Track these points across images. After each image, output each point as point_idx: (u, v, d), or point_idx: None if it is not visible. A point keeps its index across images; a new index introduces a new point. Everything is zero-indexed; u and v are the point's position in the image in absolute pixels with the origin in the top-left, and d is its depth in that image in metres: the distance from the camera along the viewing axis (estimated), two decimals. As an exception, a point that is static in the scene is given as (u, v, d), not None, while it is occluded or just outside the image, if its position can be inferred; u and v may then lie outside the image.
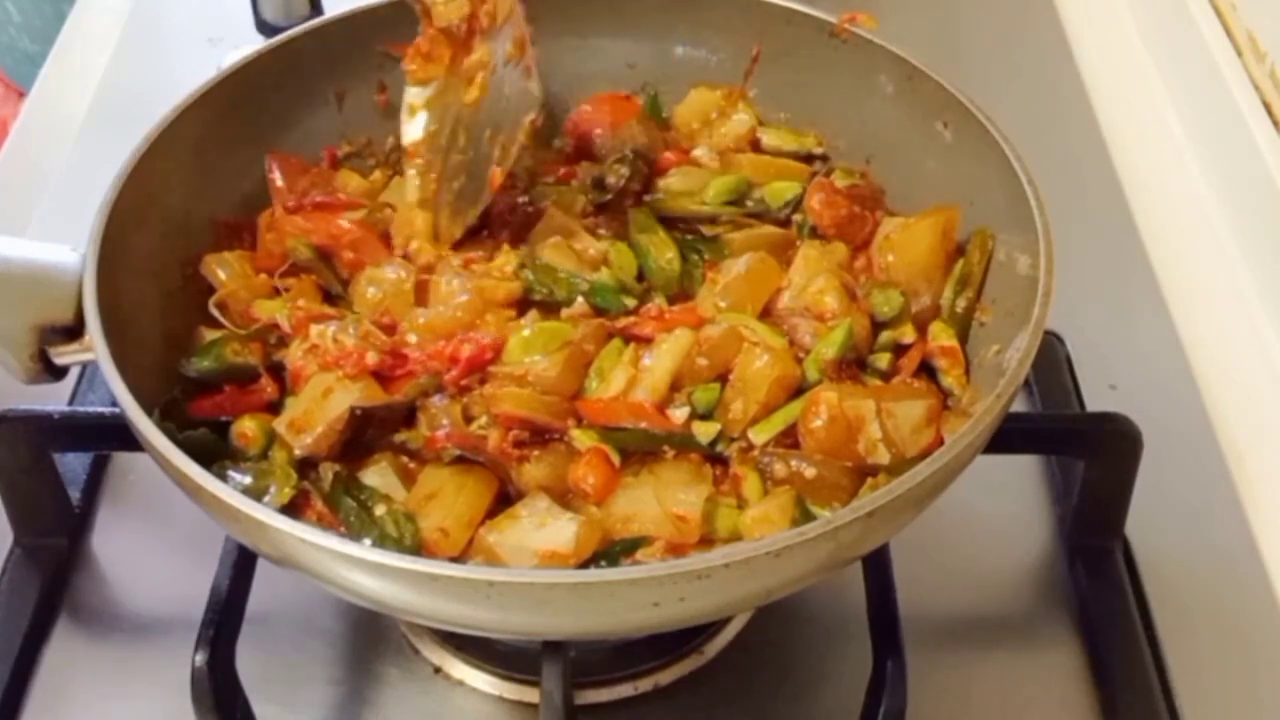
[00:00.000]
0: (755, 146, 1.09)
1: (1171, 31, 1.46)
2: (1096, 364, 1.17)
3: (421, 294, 0.96)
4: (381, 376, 0.91)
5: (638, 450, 0.89)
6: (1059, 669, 0.99)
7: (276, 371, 0.94)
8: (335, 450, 0.88)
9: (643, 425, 0.89)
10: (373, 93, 1.10)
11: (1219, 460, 1.12)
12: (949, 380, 0.93)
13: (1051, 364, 1.15)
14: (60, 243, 0.92)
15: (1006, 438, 0.88)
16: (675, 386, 0.91)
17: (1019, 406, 1.02)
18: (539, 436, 0.89)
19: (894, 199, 1.05)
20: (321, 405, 0.88)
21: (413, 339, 0.93)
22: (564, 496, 0.87)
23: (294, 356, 0.92)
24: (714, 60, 1.12)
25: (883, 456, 0.88)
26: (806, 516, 0.86)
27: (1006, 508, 1.08)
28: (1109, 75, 1.49)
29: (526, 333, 0.92)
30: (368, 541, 0.83)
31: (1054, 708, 0.97)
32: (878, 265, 0.99)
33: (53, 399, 1.06)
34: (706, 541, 0.86)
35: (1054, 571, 1.04)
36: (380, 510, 0.85)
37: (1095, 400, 1.13)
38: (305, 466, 0.88)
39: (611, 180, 1.03)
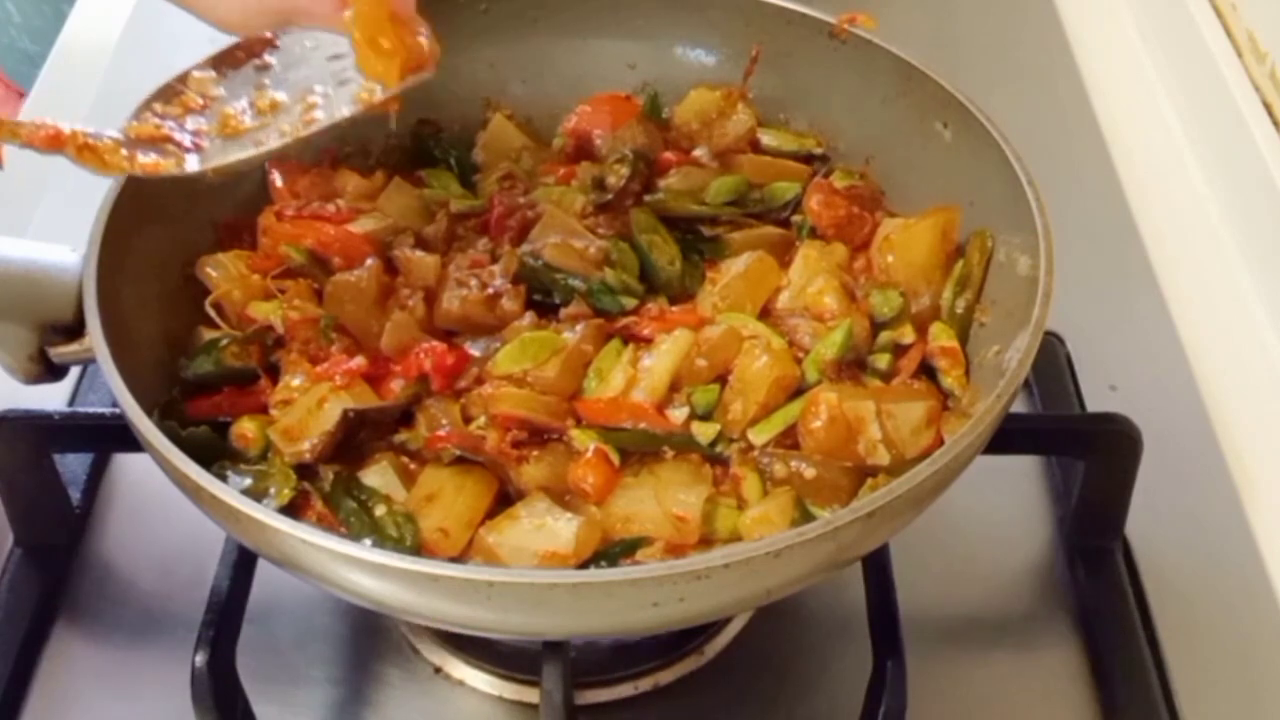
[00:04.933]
0: (755, 147, 1.09)
1: (1171, 31, 1.46)
2: (1096, 364, 1.17)
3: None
4: (373, 379, 0.92)
5: (637, 450, 0.89)
6: (1059, 669, 0.99)
7: (275, 373, 0.94)
8: (328, 455, 0.88)
9: (642, 426, 0.89)
10: (373, 93, 1.10)
11: (1219, 460, 1.12)
12: (949, 381, 0.93)
13: (1051, 364, 1.15)
14: (60, 243, 0.92)
15: (1006, 438, 0.88)
16: (674, 387, 0.91)
17: (1019, 407, 1.02)
18: (538, 437, 0.89)
19: (894, 199, 1.05)
20: (316, 415, 0.88)
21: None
22: (563, 497, 0.87)
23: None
24: (714, 60, 1.12)
25: (882, 457, 0.88)
26: (806, 517, 0.86)
27: (1006, 508, 1.08)
28: (1109, 75, 1.49)
29: (514, 344, 0.92)
30: (368, 542, 0.83)
31: (1054, 708, 0.97)
32: (877, 266, 0.99)
33: (53, 399, 1.07)
34: (706, 542, 0.86)
35: (1054, 571, 1.04)
36: (380, 511, 0.85)
37: (1095, 401, 1.13)
38: (305, 467, 0.88)
39: (611, 180, 1.03)
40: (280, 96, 0.89)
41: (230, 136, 0.88)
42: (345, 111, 0.88)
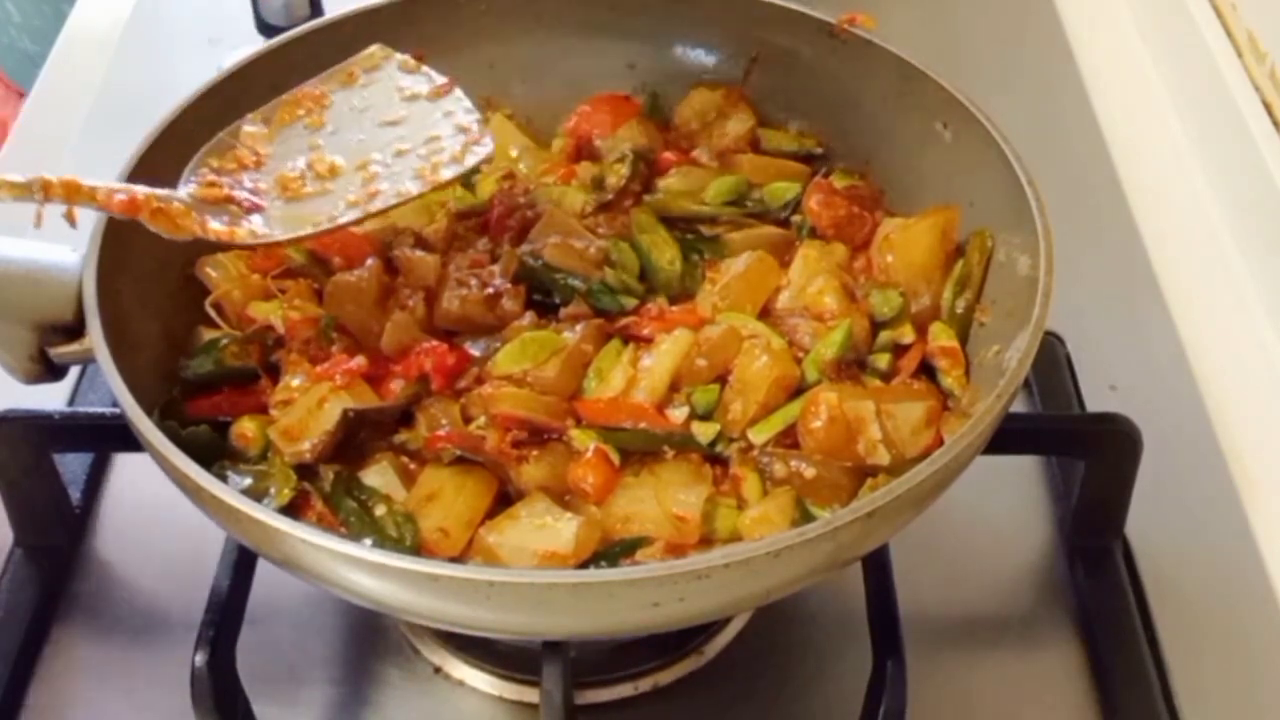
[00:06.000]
0: (755, 147, 1.09)
1: (1171, 31, 1.46)
2: (1096, 364, 1.17)
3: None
4: (373, 380, 0.92)
5: (637, 451, 0.89)
6: (1059, 669, 0.99)
7: (275, 373, 0.94)
8: (328, 455, 0.88)
9: (642, 426, 0.89)
10: (373, 93, 1.10)
11: (1219, 460, 1.12)
12: (949, 381, 0.93)
13: (1051, 364, 1.15)
14: (60, 243, 0.92)
15: (1006, 438, 0.88)
16: (674, 387, 0.91)
17: (1019, 407, 1.02)
18: (537, 436, 0.89)
19: (894, 199, 1.05)
20: (316, 415, 0.88)
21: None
22: (563, 496, 0.87)
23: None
24: (714, 60, 1.12)
25: (882, 457, 0.88)
26: (806, 517, 0.86)
27: (1006, 508, 1.08)
28: (1109, 75, 1.49)
29: (514, 344, 0.92)
30: (368, 542, 0.83)
31: (1054, 708, 0.97)
32: (877, 266, 0.99)
33: (53, 399, 1.06)
34: (706, 542, 0.86)
35: (1054, 571, 1.04)
36: (380, 511, 0.85)
37: (1095, 401, 1.13)
38: (305, 467, 0.88)
39: (611, 180, 1.03)
40: (339, 160, 0.92)
41: (291, 199, 0.90)
42: (413, 189, 0.91)
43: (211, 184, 0.89)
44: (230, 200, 0.88)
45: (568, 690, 0.84)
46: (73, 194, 0.83)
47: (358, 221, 0.91)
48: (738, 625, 1.00)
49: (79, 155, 1.38)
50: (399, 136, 0.93)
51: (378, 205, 0.90)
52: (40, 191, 0.83)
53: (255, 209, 0.89)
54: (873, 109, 1.06)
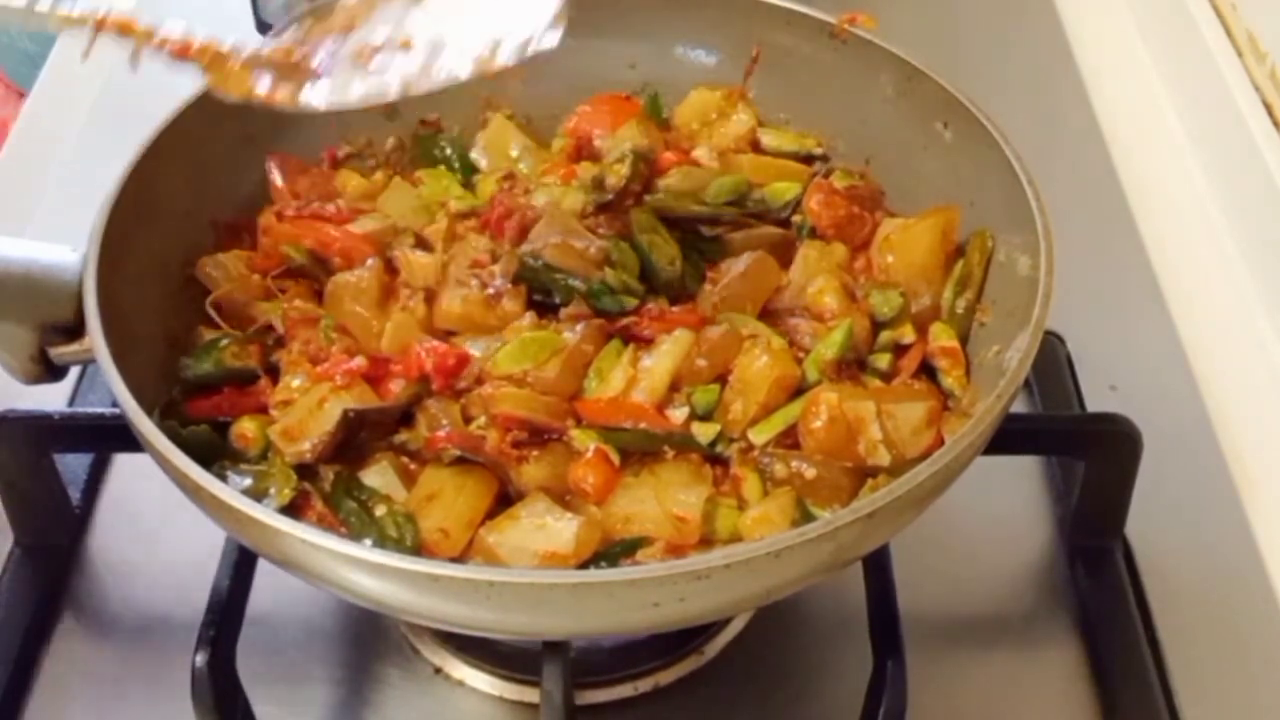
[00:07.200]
0: (755, 147, 1.09)
1: (1171, 31, 1.46)
2: (1096, 364, 1.17)
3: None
4: (373, 380, 0.92)
5: (637, 451, 0.89)
6: (1059, 669, 0.99)
7: (275, 373, 0.94)
8: (328, 455, 0.88)
9: (642, 426, 0.89)
10: (373, 93, 1.10)
11: (1219, 460, 1.12)
12: (949, 381, 0.93)
13: (1052, 364, 1.15)
14: (60, 243, 0.92)
15: (1007, 438, 0.88)
16: (675, 387, 0.91)
17: (1019, 407, 1.02)
18: (538, 437, 0.89)
19: (894, 199, 1.05)
20: (316, 415, 0.88)
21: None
22: (563, 497, 0.87)
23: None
24: (714, 60, 1.12)
25: (883, 457, 0.88)
26: (806, 517, 0.86)
27: (1006, 508, 1.08)
28: (1109, 75, 1.49)
29: (514, 344, 0.92)
30: (368, 542, 0.83)
31: (1054, 708, 0.97)
32: (877, 266, 0.99)
33: (53, 399, 1.07)
34: (706, 542, 0.86)
35: (1054, 571, 1.04)
36: (380, 511, 0.85)
37: (1095, 401, 1.13)
38: (305, 467, 0.88)
39: (611, 181, 1.03)
40: (415, 37, 0.89)
41: (357, 64, 0.88)
42: (462, 74, 0.87)
43: (288, 51, 0.87)
44: (295, 67, 0.87)
45: (568, 690, 0.84)
46: (125, 31, 0.83)
47: (402, 97, 0.87)
48: (738, 625, 1.00)
49: (79, 155, 1.39)
50: (486, 18, 0.90)
51: (425, 84, 0.87)
52: (94, 26, 0.82)
53: (319, 76, 0.87)
54: (873, 109, 1.06)
